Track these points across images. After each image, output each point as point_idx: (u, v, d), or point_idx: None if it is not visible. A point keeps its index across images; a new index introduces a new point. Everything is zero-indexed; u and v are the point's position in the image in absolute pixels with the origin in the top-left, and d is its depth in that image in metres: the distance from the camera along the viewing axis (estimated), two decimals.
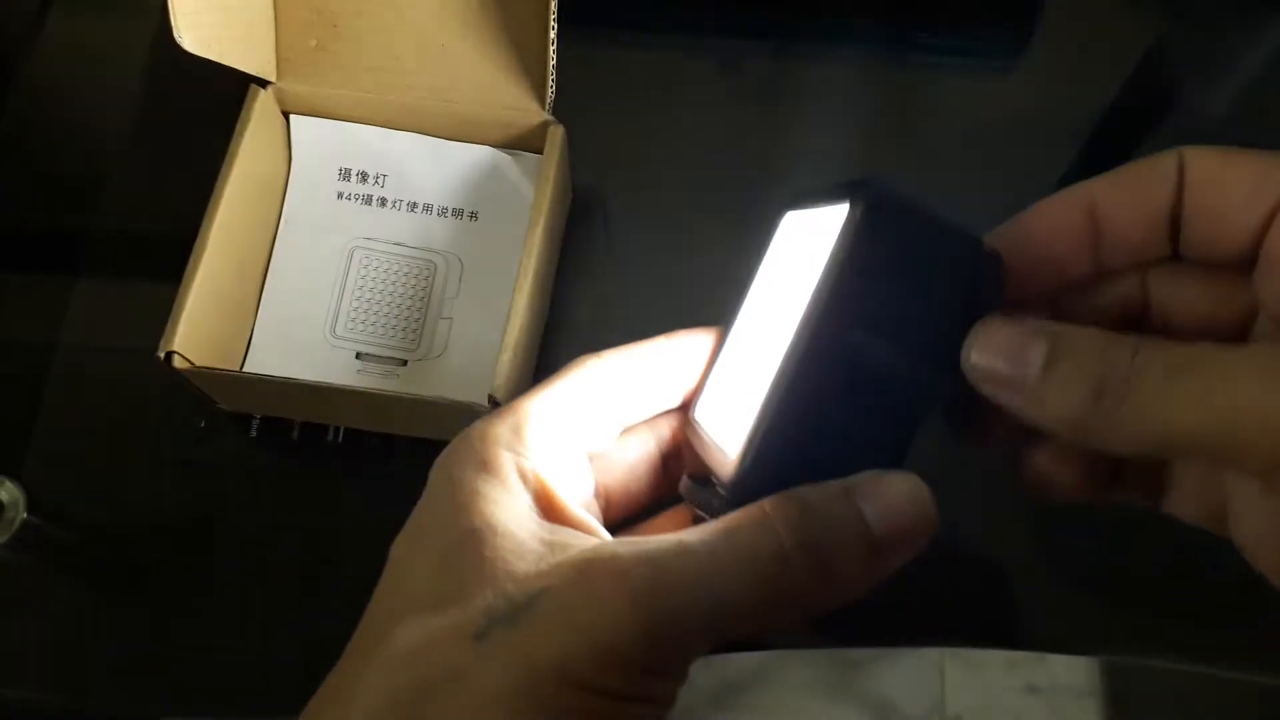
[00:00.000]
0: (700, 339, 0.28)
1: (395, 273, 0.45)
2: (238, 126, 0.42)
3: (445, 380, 0.44)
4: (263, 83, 0.44)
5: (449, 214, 0.46)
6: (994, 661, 0.43)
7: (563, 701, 0.21)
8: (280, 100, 0.45)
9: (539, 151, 0.44)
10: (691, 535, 0.22)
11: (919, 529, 0.23)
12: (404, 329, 0.45)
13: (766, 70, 0.54)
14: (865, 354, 0.23)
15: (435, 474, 0.25)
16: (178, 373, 0.38)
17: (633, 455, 0.29)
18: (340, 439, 0.44)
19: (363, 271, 0.45)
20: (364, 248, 0.46)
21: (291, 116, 0.46)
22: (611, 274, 0.49)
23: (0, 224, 0.52)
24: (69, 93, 0.54)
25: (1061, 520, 0.45)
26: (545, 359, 0.46)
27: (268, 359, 0.44)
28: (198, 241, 0.40)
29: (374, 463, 0.45)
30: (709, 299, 0.48)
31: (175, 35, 0.38)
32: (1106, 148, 0.51)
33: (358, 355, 0.44)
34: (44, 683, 0.42)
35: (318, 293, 0.45)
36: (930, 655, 0.43)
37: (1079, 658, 0.43)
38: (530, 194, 0.45)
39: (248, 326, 0.44)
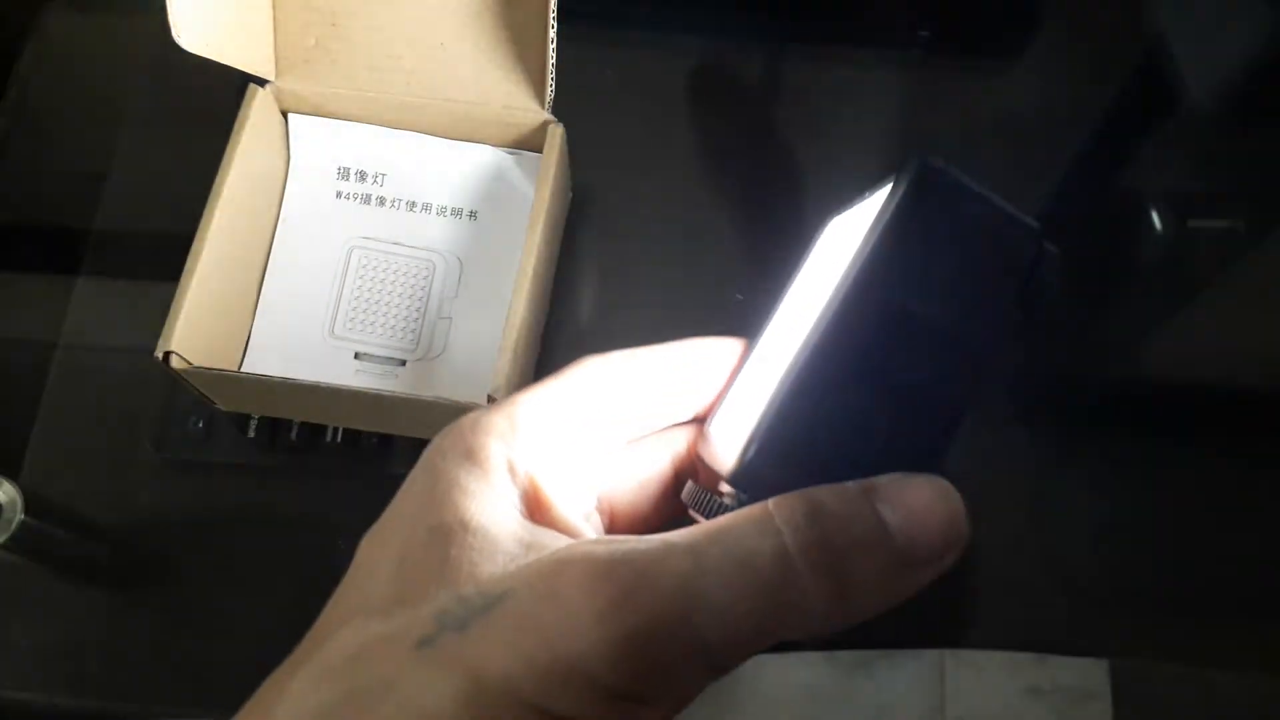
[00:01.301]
0: (722, 346, 0.26)
1: (394, 272, 0.45)
2: (236, 125, 0.42)
3: (444, 381, 0.44)
4: (261, 81, 0.44)
5: (448, 213, 0.46)
6: (995, 663, 0.43)
7: None
8: (279, 99, 0.45)
9: (539, 151, 0.44)
10: (679, 535, 0.19)
11: (948, 541, 0.20)
12: (403, 329, 0.45)
13: (767, 70, 0.54)
14: (903, 332, 0.21)
15: (418, 464, 0.23)
16: (175, 373, 0.38)
17: (642, 471, 0.26)
18: (339, 439, 0.44)
19: (361, 271, 0.45)
20: (363, 247, 0.46)
21: (290, 115, 0.46)
22: (611, 274, 0.49)
23: (0, 224, 0.52)
24: (69, 92, 0.54)
25: (1063, 521, 0.45)
26: (545, 359, 0.46)
27: (266, 359, 0.44)
28: (195, 241, 0.40)
29: (372, 463, 0.44)
30: (709, 299, 0.48)
31: (174, 34, 0.38)
32: (1107, 147, 0.51)
33: (356, 355, 0.44)
34: (44, 683, 0.42)
35: (316, 292, 0.45)
36: (931, 657, 0.43)
37: (1081, 659, 0.42)
38: (530, 194, 0.45)
39: (246, 326, 0.44)
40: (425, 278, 0.45)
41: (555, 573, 0.19)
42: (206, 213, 0.40)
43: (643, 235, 0.49)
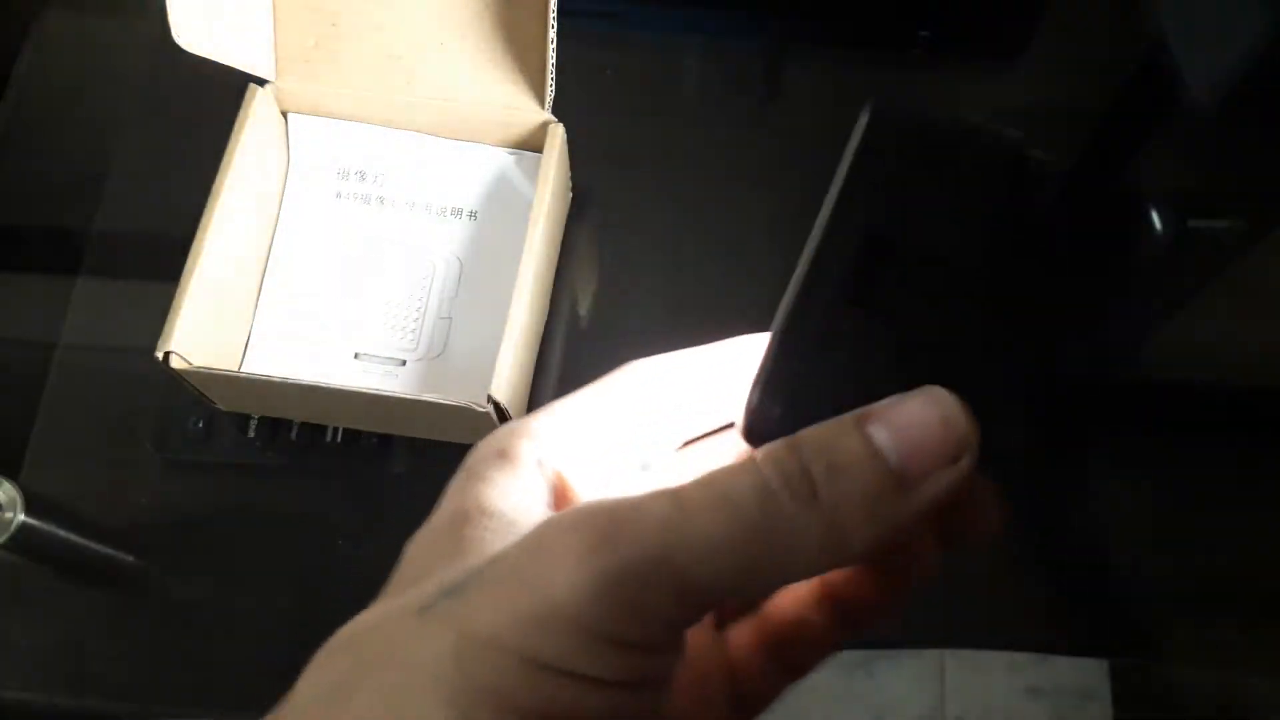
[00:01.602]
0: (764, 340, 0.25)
1: (394, 272, 0.45)
2: (236, 125, 0.42)
3: (444, 380, 0.44)
4: (261, 81, 0.44)
5: (448, 214, 0.46)
6: (995, 663, 0.43)
7: (501, 676, 0.18)
8: (279, 99, 0.45)
9: (539, 151, 0.44)
10: (668, 486, 0.19)
11: (946, 449, 0.19)
12: (403, 329, 0.45)
13: (766, 70, 0.54)
14: (882, 260, 0.20)
15: (459, 468, 0.24)
16: (175, 373, 0.38)
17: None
18: (339, 439, 0.44)
19: (361, 271, 0.45)
20: (363, 247, 0.46)
21: (290, 115, 0.46)
22: (611, 274, 0.49)
23: (0, 224, 0.52)
24: (69, 92, 0.54)
25: (1063, 521, 0.45)
26: (545, 359, 0.46)
27: (266, 359, 0.44)
28: (195, 241, 0.40)
29: (372, 463, 0.44)
30: (710, 298, 0.48)
31: (174, 34, 0.38)
32: (1107, 147, 0.51)
33: (356, 355, 0.44)
34: (44, 683, 0.42)
35: (316, 292, 0.45)
36: (931, 657, 0.43)
37: (1081, 659, 0.42)
38: (530, 194, 0.45)
39: (246, 326, 0.44)
40: (425, 278, 0.45)
41: (543, 530, 0.19)
42: (206, 213, 0.40)
43: (643, 235, 0.49)
